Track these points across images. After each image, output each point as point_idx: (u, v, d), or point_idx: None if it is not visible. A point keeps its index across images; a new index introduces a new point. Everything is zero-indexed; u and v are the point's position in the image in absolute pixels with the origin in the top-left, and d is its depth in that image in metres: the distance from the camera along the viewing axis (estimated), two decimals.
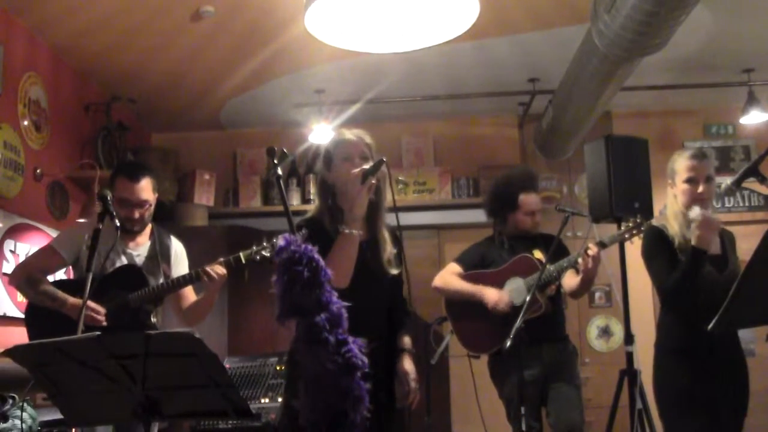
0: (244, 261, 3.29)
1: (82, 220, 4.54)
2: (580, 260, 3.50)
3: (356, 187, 2.52)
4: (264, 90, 5.48)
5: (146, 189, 3.32)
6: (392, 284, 2.73)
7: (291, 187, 6.05)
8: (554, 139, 5.52)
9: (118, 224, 2.88)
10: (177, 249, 3.49)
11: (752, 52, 5.06)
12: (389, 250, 2.69)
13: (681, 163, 3.19)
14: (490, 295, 3.69)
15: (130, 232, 3.32)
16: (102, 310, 3.13)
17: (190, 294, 3.42)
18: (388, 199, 2.72)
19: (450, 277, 3.88)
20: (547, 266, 3.50)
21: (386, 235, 2.70)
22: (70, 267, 3.45)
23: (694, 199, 3.14)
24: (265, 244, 3.33)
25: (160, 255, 3.38)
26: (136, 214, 3.29)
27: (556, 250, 3.61)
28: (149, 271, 3.32)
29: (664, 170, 3.28)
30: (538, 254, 3.75)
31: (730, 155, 6.15)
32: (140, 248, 3.37)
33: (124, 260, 3.31)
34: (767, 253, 1.96)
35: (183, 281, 3.30)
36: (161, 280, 3.34)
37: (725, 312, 2.05)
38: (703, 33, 4.66)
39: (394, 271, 2.69)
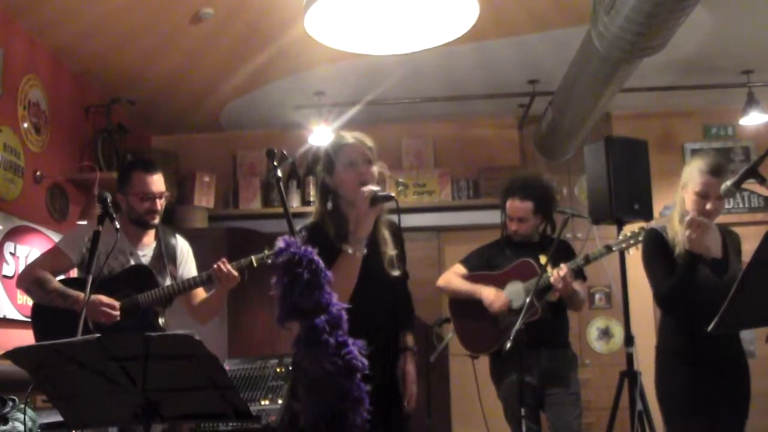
0: (255, 264, 3.29)
1: (83, 222, 4.54)
2: (551, 279, 3.52)
3: (363, 208, 2.49)
4: (264, 92, 5.48)
5: (162, 180, 3.36)
6: (396, 284, 2.70)
7: (291, 189, 6.05)
8: (554, 140, 5.53)
9: (118, 226, 2.88)
10: (183, 248, 3.49)
11: (752, 54, 5.06)
12: (390, 251, 2.66)
13: (697, 175, 3.12)
14: (487, 293, 3.72)
15: (147, 226, 3.33)
16: (117, 304, 3.14)
17: (200, 291, 3.42)
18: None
19: (453, 277, 3.93)
20: (547, 271, 3.52)
21: (386, 234, 2.67)
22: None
23: (700, 213, 3.09)
24: None
25: (165, 255, 3.38)
26: (159, 206, 3.31)
27: (563, 253, 3.64)
28: (156, 271, 3.32)
29: (664, 172, 3.28)
30: (544, 259, 3.75)
31: (729, 156, 6.14)
32: (146, 248, 3.38)
33: (132, 262, 3.32)
34: (767, 254, 1.96)
35: (195, 283, 3.30)
36: (168, 280, 3.34)
37: (725, 313, 2.05)
38: (702, 34, 4.67)
39: (396, 273, 2.67)
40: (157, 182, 3.33)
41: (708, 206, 3.10)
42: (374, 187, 2.51)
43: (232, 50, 4.73)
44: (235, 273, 3.23)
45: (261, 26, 4.39)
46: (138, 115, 5.73)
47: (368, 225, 2.50)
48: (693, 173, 3.14)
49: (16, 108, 4.19)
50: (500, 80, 5.41)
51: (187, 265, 3.47)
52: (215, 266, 3.22)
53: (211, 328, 5.19)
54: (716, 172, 3.10)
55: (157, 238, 3.41)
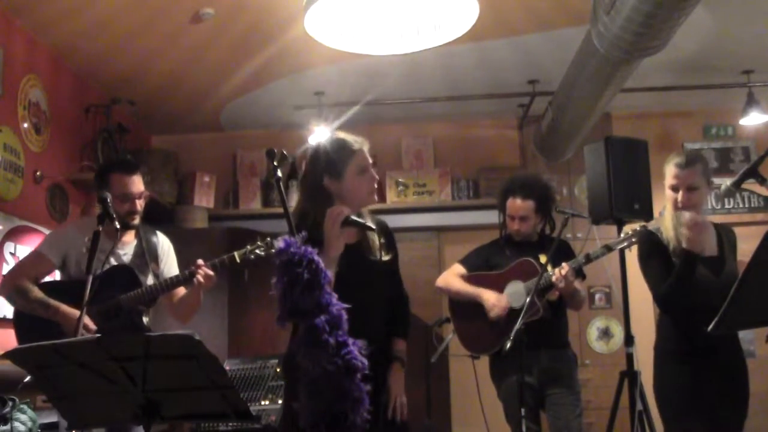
0: (238, 260, 3.28)
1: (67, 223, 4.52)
2: (553, 278, 3.52)
3: (335, 230, 2.45)
4: (264, 92, 5.48)
5: (141, 180, 3.35)
6: (389, 273, 2.71)
7: (291, 189, 6.04)
8: (554, 140, 5.52)
9: (118, 226, 2.87)
10: (164, 245, 3.48)
11: (752, 54, 5.06)
12: (378, 240, 2.65)
13: (668, 168, 3.23)
14: (488, 297, 3.70)
15: (128, 227, 3.30)
16: (93, 327, 3.09)
17: (180, 289, 3.41)
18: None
19: (452, 277, 3.90)
20: (548, 270, 3.52)
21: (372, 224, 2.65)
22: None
23: (675, 206, 3.19)
24: (259, 243, 3.32)
25: (147, 253, 3.36)
26: (139, 206, 3.30)
27: (563, 252, 3.63)
28: (138, 269, 3.31)
29: (663, 172, 3.31)
30: (543, 258, 3.75)
31: (729, 156, 6.15)
32: (127, 247, 3.36)
33: (112, 261, 3.28)
34: (767, 254, 1.96)
35: (176, 282, 3.29)
36: (150, 278, 3.33)
37: (725, 313, 2.05)
38: (702, 34, 4.67)
39: (387, 257, 2.67)
40: (137, 183, 3.31)
41: (679, 198, 3.17)
42: (346, 210, 2.49)
43: (233, 50, 4.73)
44: (211, 273, 3.21)
45: (261, 26, 4.39)
46: (138, 115, 5.73)
47: (339, 245, 2.46)
48: (666, 169, 3.25)
49: (16, 108, 4.19)
50: (500, 80, 5.41)
51: (168, 262, 3.45)
52: (194, 268, 3.20)
53: (212, 328, 5.20)
54: (682, 164, 3.18)
55: (138, 236, 3.39)
